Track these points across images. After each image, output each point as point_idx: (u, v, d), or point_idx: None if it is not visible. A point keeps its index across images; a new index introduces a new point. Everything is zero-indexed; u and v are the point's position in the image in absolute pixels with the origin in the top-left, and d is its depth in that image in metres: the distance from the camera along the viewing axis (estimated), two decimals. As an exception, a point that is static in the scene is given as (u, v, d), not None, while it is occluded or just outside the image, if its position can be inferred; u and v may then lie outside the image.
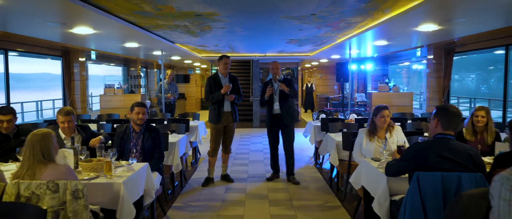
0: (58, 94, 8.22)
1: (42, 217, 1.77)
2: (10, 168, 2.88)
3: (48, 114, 8.94)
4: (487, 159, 3.06)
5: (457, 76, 14.49)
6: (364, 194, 3.24)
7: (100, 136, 3.53)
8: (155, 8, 4.05)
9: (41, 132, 2.26)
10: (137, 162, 3.26)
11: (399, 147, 3.08)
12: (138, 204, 2.97)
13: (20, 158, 2.87)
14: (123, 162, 3.11)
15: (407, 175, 2.59)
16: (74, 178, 2.30)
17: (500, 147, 3.28)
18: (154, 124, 4.51)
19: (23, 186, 2.14)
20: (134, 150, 3.50)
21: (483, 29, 5.54)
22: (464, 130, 3.63)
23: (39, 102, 8.57)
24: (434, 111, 2.57)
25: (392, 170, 2.67)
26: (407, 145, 3.26)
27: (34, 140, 2.21)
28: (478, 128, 3.55)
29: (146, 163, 3.17)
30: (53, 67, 10.33)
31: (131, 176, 2.81)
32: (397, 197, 2.78)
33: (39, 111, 8.65)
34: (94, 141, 3.41)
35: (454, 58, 7.68)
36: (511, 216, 1.60)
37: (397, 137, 3.44)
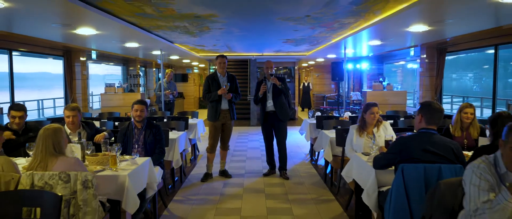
0: (57, 93, 8.37)
1: (58, 203, 1.95)
2: (20, 162, 3.05)
3: (49, 113, 9.08)
4: (469, 154, 3.25)
5: (455, 75, 14.67)
6: (355, 187, 3.44)
7: (104, 132, 3.71)
8: (157, 10, 4.22)
9: (53, 127, 2.43)
10: (140, 156, 3.44)
11: (386, 141, 3.27)
12: (141, 196, 3.15)
13: (30, 152, 3.06)
14: (127, 157, 3.29)
15: (393, 167, 2.78)
16: (83, 169, 2.48)
17: (483, 142, 3.48)
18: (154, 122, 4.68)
19: (37, 177, 2.31)
20: (136, 146, 3.68)
21: (473, 29, 5.73)
22: (451, 126, 3.82)
23: (40, 101, 8.70)
24: (418, 107, 2.76)
25: (380, 163, 2.85)
26: (394, 139, 3.44)
27: (46, 134, 2.38)
28: (465, 124, 3.73)
29: (149, 158, 3.35)
30: (52, 66, 10.48)
31: (135, 169, 2.98)
32: (384, 188, 2.97)
33: (41, 110, 8.78)
34: (98, 137, 3.59)
35: (451, 57, 7.88)
36: (480, 199, 1.79)
37: (385, 132, 3.63)
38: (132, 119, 3.75)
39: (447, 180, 2.19)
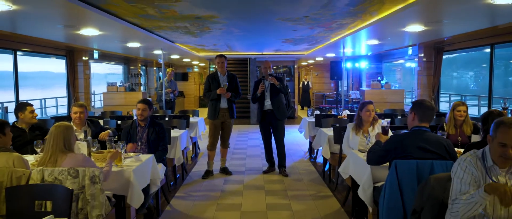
0: (59, 92, 8.48)
1: (69, 196, 2.07)
2: (28, 160, 3.16)
3: (52, 112, 9.20)
4: (462, 151, 3.36)
5: (455, 74, 14.76)
6: (352, 183, 3.56)
7: (109, 131, 3.83)
8: (159, 12, 4.34)
9: (64, 124, 2.55)
10: (143, 154, 3.55)
11: (383, 127, 3.36)
12: (145, 192, 3.26)
13: (37, 150, 3.17)
14: (131, 154, 3.40)
15: (388, 164, 2.89)
16: (91, 165, 2.60)
17: (476, 139, 3.59)
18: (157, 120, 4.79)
19: (47, 172, 2.43)
20: (140, 143, 3.79)
21: (469, 29, 5.83)
22: (445, 125, 3.93)
23: (43, 100, 8.82)
24: (411, 105, 2.87)
25: (374, 158, 2.95)
26: (390, 131, 3.51)
27: (58, 131, 2.50)
28: (458, 121, 3.85)
29: (152, 155, 3.47)
30: (53, 65, 10.60)
31: (139, 166, 3.10)
32: (379, 184, 3.08)
33: (43, 109, 8.90)
34: (103, 135, 3.71)
35: (452, 55, 7.95)
36: (461, 191, 1.89)
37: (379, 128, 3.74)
38: (135, 118, 3.86)
39: (437, 175, 2.29)
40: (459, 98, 10.94)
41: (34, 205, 2.13)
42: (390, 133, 3.33)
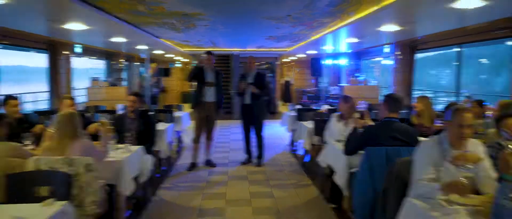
0: (36, 87, 8.34)
1: (69, 180, 2.22)
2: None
3: (30, 107, 9.01)
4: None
5: (434, 71, 15.39)
6: (330, 170, 3.84)
7: (97, 124, 3.93)
8: (148, 8, 4.45)
9: (69, 112, 2.66)
10: (132, 145, 3.69)
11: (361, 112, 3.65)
12: (134, 181, 3.42)
13: (26, 142, 3.26)
14: (120, 145, 3.54)
15: (363, 151, 3.17)
16: (96, 151, 2.72)
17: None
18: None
19: (43, 162, 2.54)
20: (129, 134, 3.92)
21: (439, 29, 6.23)
22: (411, 117, 4.34)
23: (20, 95, 8.65)
24: (382, 98, 3.18)
25: (350, 149, 3.25)
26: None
27: (65, 119, 2.61)
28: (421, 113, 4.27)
29: (141, 146, 3.62)
30: (29, 59, 10.35)
31: (129, 156, 3.26)
32: (354, 170, 3.37)
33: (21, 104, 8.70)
34: (93, 128, 3.82)
35: (431, 54, 8.37)
36: (421, 171, 2.19)
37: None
38: (121, 111, 4.00)
39: (403, 159, 2.59)
40: (432, 94, 11.48)
41: (34, 191, 2.26)
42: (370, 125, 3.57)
